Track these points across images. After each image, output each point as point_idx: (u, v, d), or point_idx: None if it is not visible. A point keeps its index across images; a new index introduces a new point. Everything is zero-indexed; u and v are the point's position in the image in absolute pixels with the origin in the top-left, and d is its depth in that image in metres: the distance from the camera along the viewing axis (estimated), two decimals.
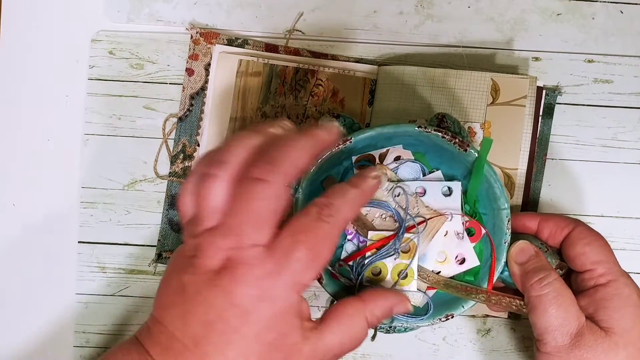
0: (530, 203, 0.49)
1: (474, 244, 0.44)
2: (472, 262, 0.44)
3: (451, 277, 0.44)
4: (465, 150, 0.42)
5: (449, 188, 0.44)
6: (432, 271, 0.44)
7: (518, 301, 0.42)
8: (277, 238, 0.34)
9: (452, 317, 0.43)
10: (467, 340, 0.50)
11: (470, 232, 0.44)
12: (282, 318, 0.33)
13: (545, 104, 0.49)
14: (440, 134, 0.42)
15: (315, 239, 0.34)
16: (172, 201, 0.50)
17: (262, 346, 0.33)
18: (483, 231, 0.44)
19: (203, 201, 0.34)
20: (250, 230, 0.33)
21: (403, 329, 0.43)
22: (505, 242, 0.43)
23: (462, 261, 0.44)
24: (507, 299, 0.42)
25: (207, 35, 0.50)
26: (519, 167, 0.47)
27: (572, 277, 0.44)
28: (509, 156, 0.47)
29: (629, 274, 0.42)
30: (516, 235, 0.44)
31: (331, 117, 0.48)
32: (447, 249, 0.44)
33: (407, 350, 0.50)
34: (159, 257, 0.50)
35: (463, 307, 0.43)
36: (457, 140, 0.42)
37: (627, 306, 0.41)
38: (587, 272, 0.42)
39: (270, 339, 0.33)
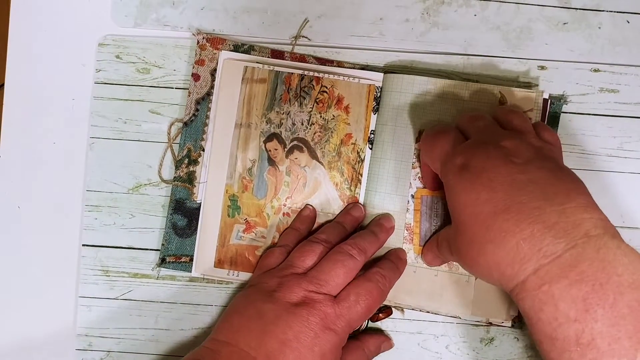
0: None
1: None
2: None
3: None
4: None
5: None
6: None
7: None
8: (344, 291, 0.45)
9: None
10: (470, 349, 0.50)
11: None
12: (337, 344, 0.44)
13: (551, 113, 0.49)
14: None
15: (372, 301, 0.45)
16: (176, 205, 0.50)
17: None
18: None
19: (302, 257, 0.46)
20: (330, 285, 0.44)
21: None
22: None
23: None
24: None
25: (213, 41, 0.50)
26: None
27: None
28: None
29: None
30: None
31: None
32: None
33: (410, 358, 0.50)
34: (162, 261, 0.50)
35: None
36: None
37: None
38: None
39: (328, 358, 0.43)
